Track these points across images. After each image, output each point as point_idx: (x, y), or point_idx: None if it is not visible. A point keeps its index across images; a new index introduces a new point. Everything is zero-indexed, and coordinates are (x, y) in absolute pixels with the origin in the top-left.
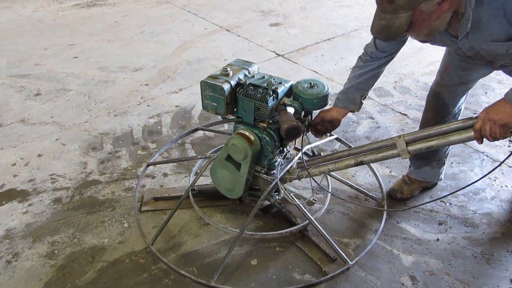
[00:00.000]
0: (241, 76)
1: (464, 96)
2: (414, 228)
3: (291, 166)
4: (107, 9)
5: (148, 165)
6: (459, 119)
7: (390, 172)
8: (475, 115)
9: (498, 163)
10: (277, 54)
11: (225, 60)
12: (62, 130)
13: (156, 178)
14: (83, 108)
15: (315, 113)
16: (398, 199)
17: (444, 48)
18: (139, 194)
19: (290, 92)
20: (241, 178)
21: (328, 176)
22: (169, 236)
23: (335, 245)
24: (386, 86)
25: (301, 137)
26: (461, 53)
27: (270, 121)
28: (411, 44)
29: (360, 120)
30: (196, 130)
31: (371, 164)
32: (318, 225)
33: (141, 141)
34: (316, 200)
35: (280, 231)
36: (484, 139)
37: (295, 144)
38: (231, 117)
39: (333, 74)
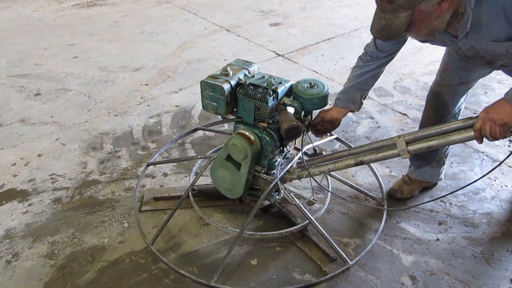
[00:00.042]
0: (241, 76)
1: (464, 96)
2: (414, 228)
3: (291, 166)
4: (107, 9)
5: (148, 165)
6: (459, 119)
7: (390, 172)
8: (475, 115)
9: (498, 163)
10: (277, 54)
11: (225, 60)
12: (62, 130)
13: (156, 178)
14: (83, 108)
15: (315, 113)
16: (398, 199)
17: (444, 48)
18: (139, 194)
19: (290, 92)
20: (241, 178)
21: (328, 176)
22: (169, 236)
23: (335, 245)
24: (386, 86)
25: (301, 137)
26: (461, 53)
27: (270, 121)
28: (411, 44)
29: (360, 120)
30: (196, 130)
31: (371, 164)
32: (318, 225)
33: (141, 141)
34: (316, 200)
35: (280, 231)
36: (484, 139)
37: (295, 144)
38: (231, 117)
39: (333, 74)
